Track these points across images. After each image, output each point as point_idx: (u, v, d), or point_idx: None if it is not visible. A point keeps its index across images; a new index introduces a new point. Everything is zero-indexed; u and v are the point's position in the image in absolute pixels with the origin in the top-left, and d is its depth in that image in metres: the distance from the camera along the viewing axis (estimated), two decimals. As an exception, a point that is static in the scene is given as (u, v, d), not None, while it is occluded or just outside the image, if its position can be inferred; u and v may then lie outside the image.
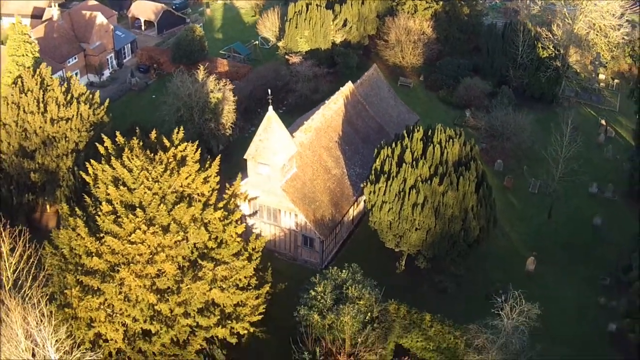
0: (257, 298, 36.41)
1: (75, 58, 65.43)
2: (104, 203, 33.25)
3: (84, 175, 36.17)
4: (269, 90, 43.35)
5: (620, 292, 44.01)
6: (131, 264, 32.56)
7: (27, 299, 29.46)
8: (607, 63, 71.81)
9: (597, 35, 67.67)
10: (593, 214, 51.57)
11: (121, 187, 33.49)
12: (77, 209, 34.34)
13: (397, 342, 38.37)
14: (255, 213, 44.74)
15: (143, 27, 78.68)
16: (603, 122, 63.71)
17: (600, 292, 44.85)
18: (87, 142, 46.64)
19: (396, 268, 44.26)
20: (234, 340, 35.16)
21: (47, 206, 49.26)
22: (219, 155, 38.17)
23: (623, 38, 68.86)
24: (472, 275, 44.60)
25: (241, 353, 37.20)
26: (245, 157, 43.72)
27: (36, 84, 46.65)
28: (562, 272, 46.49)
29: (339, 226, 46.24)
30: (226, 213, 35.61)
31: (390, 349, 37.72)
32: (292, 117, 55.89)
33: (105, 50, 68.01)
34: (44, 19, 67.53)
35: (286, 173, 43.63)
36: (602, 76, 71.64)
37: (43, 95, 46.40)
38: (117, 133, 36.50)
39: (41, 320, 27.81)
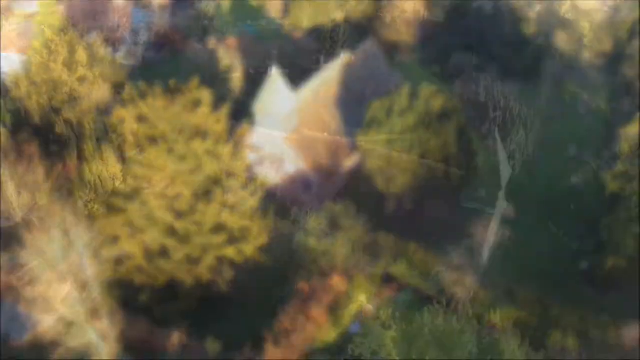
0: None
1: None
2: (129, 135, 38.10)
3: (108, 120, 41.09)
4: (274, 52, 48.40)
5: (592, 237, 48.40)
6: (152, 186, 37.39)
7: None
8: (591, 44, 76.14)
9: (582, 17, 72.22)
10: (571, 173, 56.08)
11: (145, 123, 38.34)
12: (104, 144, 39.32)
13: (386, 270, 42.97)
14: (260, 161, 49.54)
15: (157, 9, 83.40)
16: (585, 95, 68.27)
17: (575, 239, 49.23)
18: (109, 101, 51.52)
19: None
20: (240, 259, 39.82)
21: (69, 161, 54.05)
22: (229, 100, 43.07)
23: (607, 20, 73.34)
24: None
25: (246, 274, 41.91)
26: (252, 109, 48.71)
27: (63, 47, 51.57)
28: (539, 221, 50.87)
29: (336, 175, 50.98)
30: (235, 150, 40.45)
31: (379, 275, 42.30)
32: (295, 87, 60.50)
33: (122, 27, 72.90)
34: (64, -3, 72.55)
35: (289, 124, 48.45)
36: (586, 55, 75.97)
37: (70, 56, 51.32)
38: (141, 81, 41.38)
39: (76, 223, 32.48)
